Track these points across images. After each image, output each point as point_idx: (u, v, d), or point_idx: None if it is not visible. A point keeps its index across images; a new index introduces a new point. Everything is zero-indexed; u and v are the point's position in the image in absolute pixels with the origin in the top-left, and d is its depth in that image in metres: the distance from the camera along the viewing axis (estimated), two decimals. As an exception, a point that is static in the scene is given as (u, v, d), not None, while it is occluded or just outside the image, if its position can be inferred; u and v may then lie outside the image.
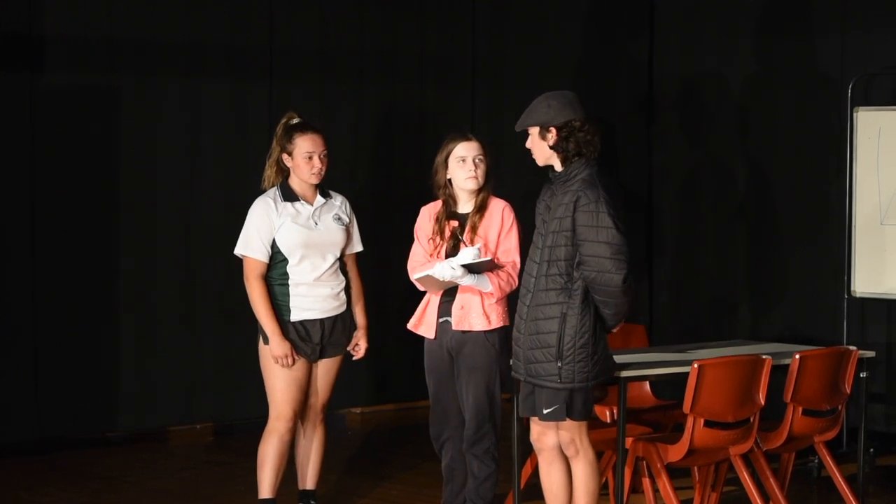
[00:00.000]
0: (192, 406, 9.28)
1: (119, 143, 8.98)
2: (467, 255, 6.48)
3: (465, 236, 6.63)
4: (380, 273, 9.48)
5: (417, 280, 6.59)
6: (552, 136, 6.00)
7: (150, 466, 8.50)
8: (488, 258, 6.50)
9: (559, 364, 5.95)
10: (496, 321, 6.61)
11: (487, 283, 6.52)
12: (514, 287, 6.57)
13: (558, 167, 6.05)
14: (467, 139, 6.66)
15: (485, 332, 6.58)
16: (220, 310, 9.26)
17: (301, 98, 9.46)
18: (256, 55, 9.47)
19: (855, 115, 8.56)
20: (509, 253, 6.61)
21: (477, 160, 6.63)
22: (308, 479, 7.00)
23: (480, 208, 6.63)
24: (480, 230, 6.61)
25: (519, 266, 6.57)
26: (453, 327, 6.62)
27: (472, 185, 6.62)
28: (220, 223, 9.18)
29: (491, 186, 6.69)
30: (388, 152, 10.10)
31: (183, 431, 9.30)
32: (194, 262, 9.25)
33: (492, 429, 6.65)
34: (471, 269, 6.46)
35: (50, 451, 8.69)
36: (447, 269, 6.45)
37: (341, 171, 9.34)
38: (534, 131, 6.04)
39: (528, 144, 6.11)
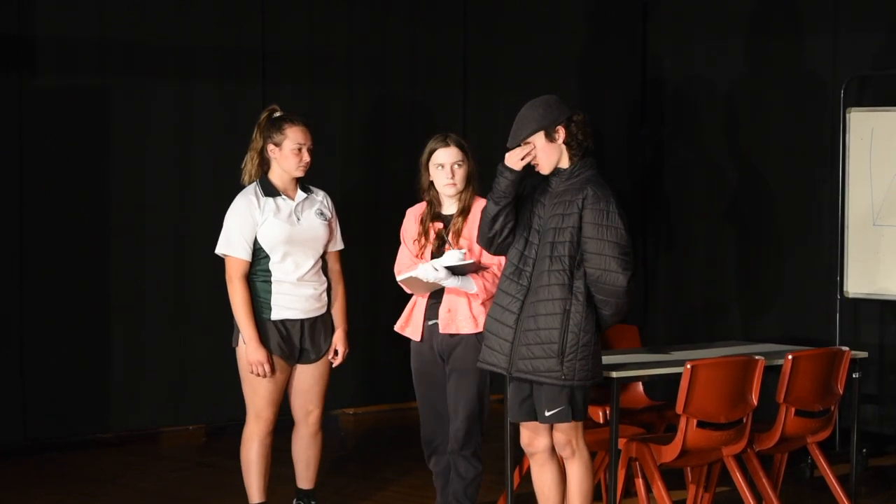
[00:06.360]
0: (184, 407, 9.26)
1: (109, 145, 8.95)
2: (451, 257, 6.46)
3: (451, 239, 6.60)
4: (371, 273, 9.46)
5: (402, 282, 6.57)
6: (561, 133, 5.92)
7: (141, 468, 8.47)
8: (472, 261, 6.48)
9: (562, 361, 5.91)
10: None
11: (472, 284, 6.50)
12: None
13: (566, 164, 5.97)
14: (446, 145, 6.61)
15: (475, 334, 6.56)
16: (211, 310, 9.23)
17: (292, 99, 9.43)
18: (247, 57, 9.45)
19: (847, 115, 8.55)
20: None
21: (455, 166, 6.58)
22: (307, 479, 6.96)
23: (463, 212, 6.61)
24: (465, 232, 6.58)
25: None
26: (441, 331, 6.60)
27: (451, 191, 6.60)
28: (211, 224, 9.07)
29: (474, 188, 6.65)
30: (379, 153, 10.08)
31: (174, 433, 9.28)
32: (184, 263, 9.23)
33: (479, 430, 6.65)
34: (455, 271, 6.44)
35: (38, 454, 8.66)
36: (431, 271, 6.43)
37: (332, 172, 9.33)
38: (538, 138, 5.90)
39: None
